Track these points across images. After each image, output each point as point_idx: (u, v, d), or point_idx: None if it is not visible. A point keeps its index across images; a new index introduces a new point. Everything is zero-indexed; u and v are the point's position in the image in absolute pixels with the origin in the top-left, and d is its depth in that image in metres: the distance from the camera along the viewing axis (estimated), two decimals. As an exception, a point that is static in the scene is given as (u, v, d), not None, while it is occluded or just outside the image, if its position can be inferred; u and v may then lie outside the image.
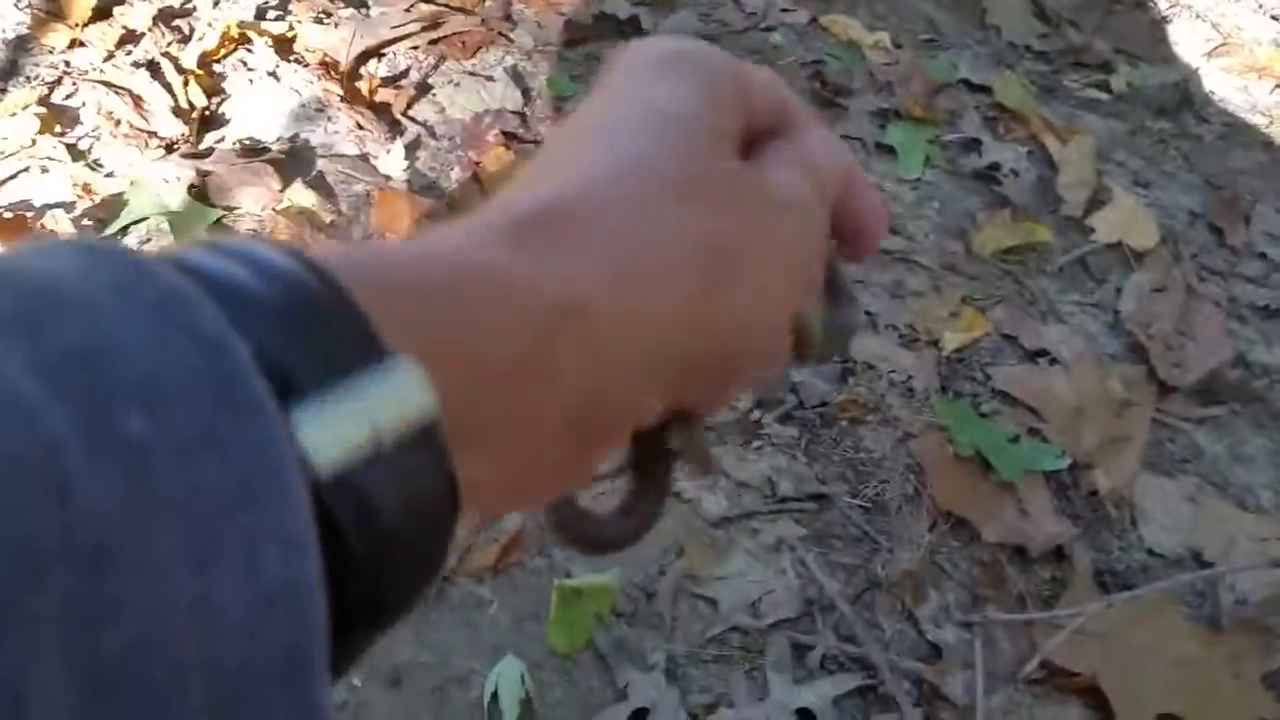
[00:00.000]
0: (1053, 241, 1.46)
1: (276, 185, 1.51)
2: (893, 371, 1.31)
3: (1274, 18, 1.88)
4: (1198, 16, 1.89)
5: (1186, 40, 1.86)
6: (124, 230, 1.48)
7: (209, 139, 1.60)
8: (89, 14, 1.67)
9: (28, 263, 0.16)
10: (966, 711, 1.05)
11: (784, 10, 1.78)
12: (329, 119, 1.62)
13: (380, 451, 0.18)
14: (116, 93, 1.58)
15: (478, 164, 1.53)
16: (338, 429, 0.18)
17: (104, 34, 1.66)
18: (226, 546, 0.15)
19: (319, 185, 1.53)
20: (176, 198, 1.48)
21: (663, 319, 0.26)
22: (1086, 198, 1.51)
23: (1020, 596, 1.13)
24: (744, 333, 0.28)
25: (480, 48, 1.70)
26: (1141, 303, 1.38)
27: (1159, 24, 1.88)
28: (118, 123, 1.56)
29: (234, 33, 1.67)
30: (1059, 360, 1.31)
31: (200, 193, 1.49)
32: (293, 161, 1.56)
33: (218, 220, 1.48)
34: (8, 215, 1.47)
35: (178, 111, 1.58)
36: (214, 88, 1.64)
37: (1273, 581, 1.12)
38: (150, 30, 1.67)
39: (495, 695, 1.08)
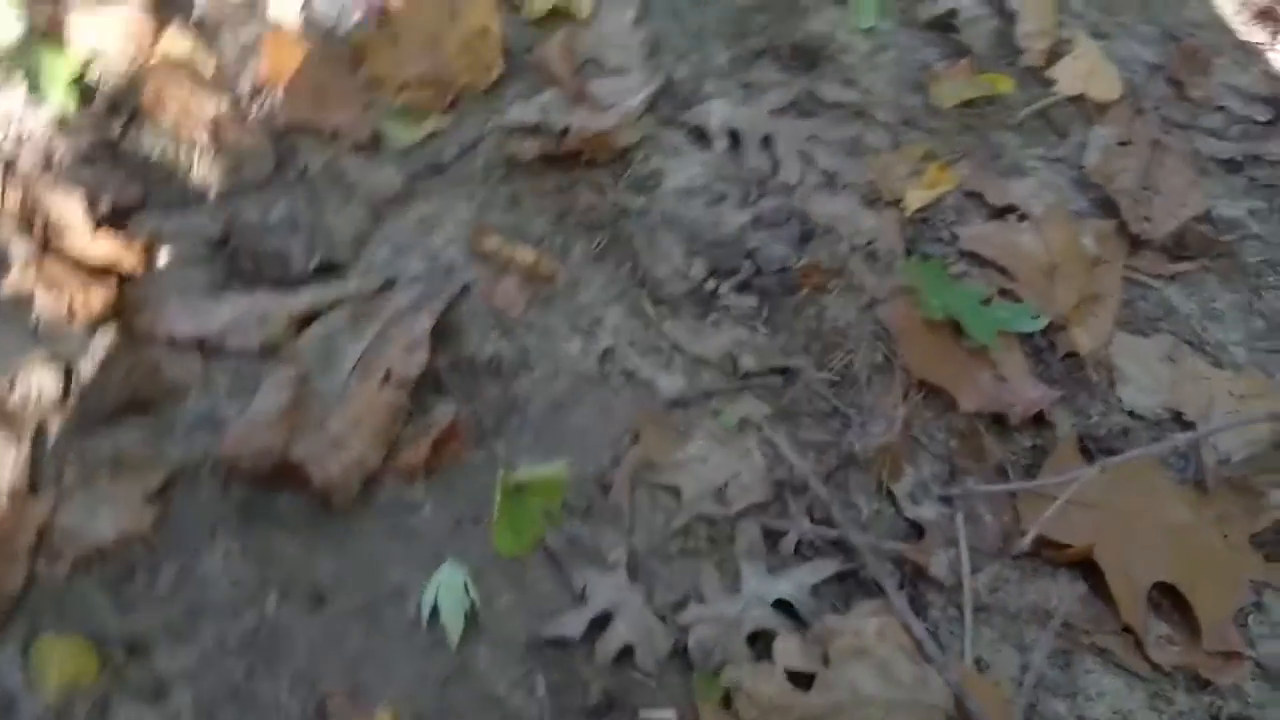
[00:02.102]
0: (1014, 94, 1.29)
1: (149, 29, 1.20)
2: (855, 234, 1.14)
3: None
4: None
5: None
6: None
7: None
8: None
9: None
10: (953, 591, 0.92)
11: None
12: (203, -43, 1.31)
13: None
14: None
15: (383, 9, 1.25)
16: None
17: None
18: None
19: (199, 29, 1.23)
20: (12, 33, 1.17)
21: None
22: (1047, 47, 1.33)
23: (1000, 467, 0.99)
24: None
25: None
26: (1107, 156, 1.23)
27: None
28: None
29: None
30: (1027, 216, 1.16)
31: (54, 35, 1.18)
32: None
33: (79, 77, 1.18)
34: None
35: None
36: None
37: (1254, 440, 1.01)
38: None
39: (435, 609, 0.90)
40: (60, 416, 0.98)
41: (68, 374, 1.00)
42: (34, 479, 0.95)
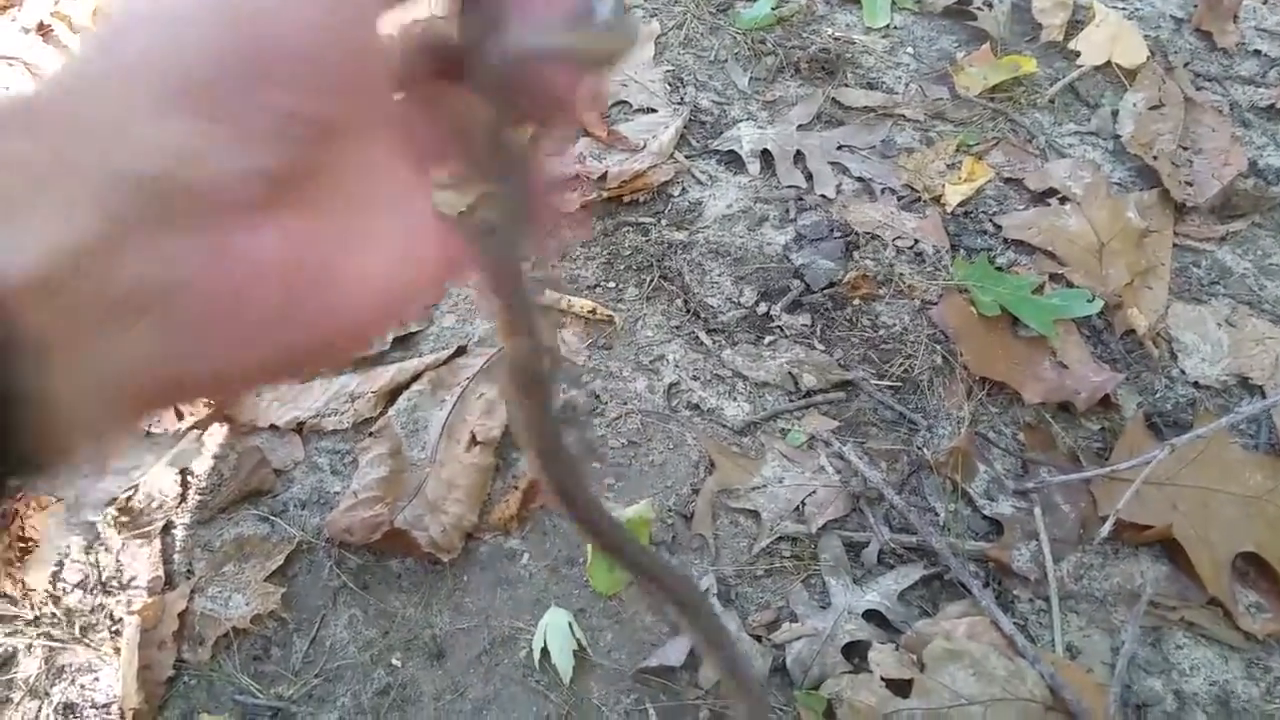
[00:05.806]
0: (1038, 72, 1.28)
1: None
2: (898, 238, 1.15)
3: None
4: None
5: None
6: None
7: None
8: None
9: None
10: (1038, 583, 0.94)
11: None
12: None
13: None
14: None
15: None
16: None
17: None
18: None
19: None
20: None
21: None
22: (1065, 20, 1.32)
23: (1072, 454, 1.01)
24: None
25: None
26: (1141, 123, 1.22)
27: None
28: None
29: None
30: (1069, 197, 1.16)
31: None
32: None
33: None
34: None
35: None
36: None
37: (1325, 395, 1.00)
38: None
39: (545, 650, 0.95)
40: (183, 513, 1.06)
41: (183, 473, 1.07)
42: (169, 573, 1.03)
